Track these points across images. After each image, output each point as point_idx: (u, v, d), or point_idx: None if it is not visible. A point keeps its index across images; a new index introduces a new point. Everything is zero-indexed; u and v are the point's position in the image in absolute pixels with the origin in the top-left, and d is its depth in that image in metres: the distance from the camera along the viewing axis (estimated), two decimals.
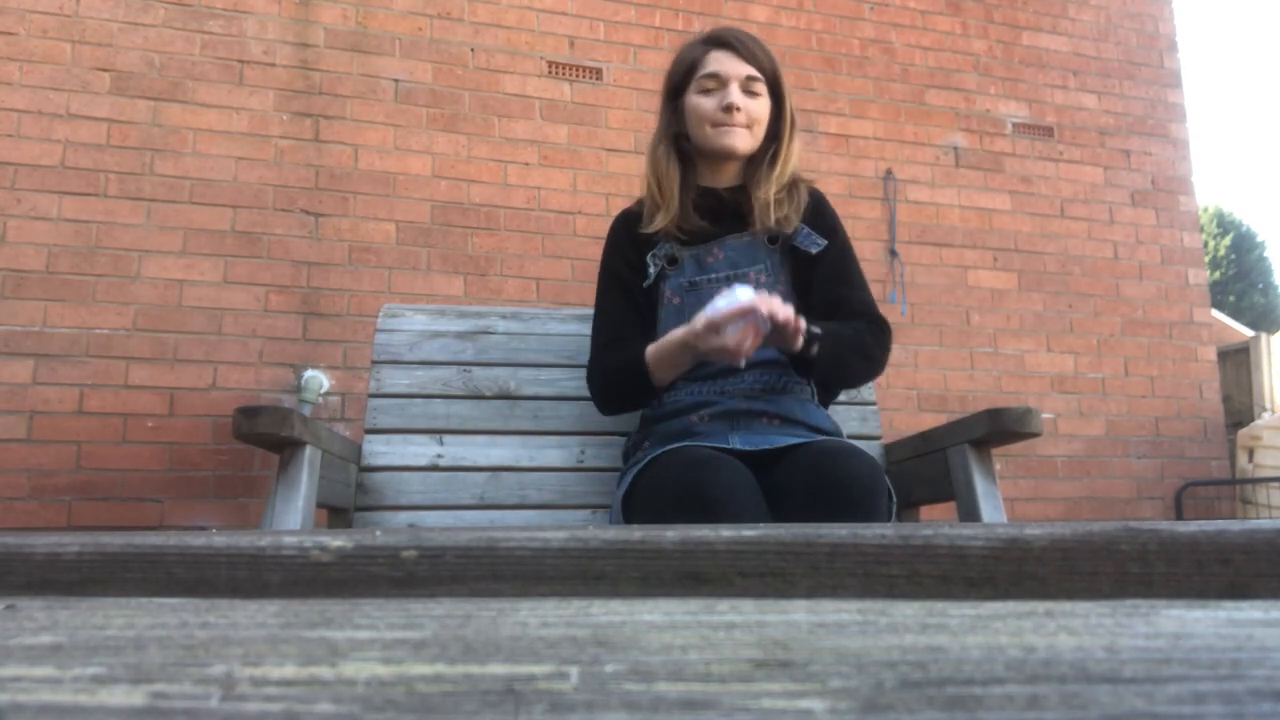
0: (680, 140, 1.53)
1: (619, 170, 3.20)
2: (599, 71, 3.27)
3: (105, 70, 2.79)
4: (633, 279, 1.52)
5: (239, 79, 2.91)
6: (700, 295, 1.46)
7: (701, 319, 1.26)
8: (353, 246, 2.92)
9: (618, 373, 1.45)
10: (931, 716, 0.25)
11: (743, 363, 1.27)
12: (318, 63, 3.00)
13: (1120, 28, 3.95)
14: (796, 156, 1.53)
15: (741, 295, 1.25)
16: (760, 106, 1.48)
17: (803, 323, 1.27)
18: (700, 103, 1.47)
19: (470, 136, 3.09)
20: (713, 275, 1.48)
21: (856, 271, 1.55)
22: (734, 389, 1.43)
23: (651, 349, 1.40)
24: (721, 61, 1.47)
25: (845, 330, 1.41)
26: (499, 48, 3.18)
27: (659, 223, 1.48)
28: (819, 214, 1.55)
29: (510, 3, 3.22)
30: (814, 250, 1.50)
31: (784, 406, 1.43)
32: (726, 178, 1.54)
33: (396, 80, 3.06)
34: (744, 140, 1.47)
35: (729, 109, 1.44)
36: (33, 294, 2.62)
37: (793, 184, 1.52)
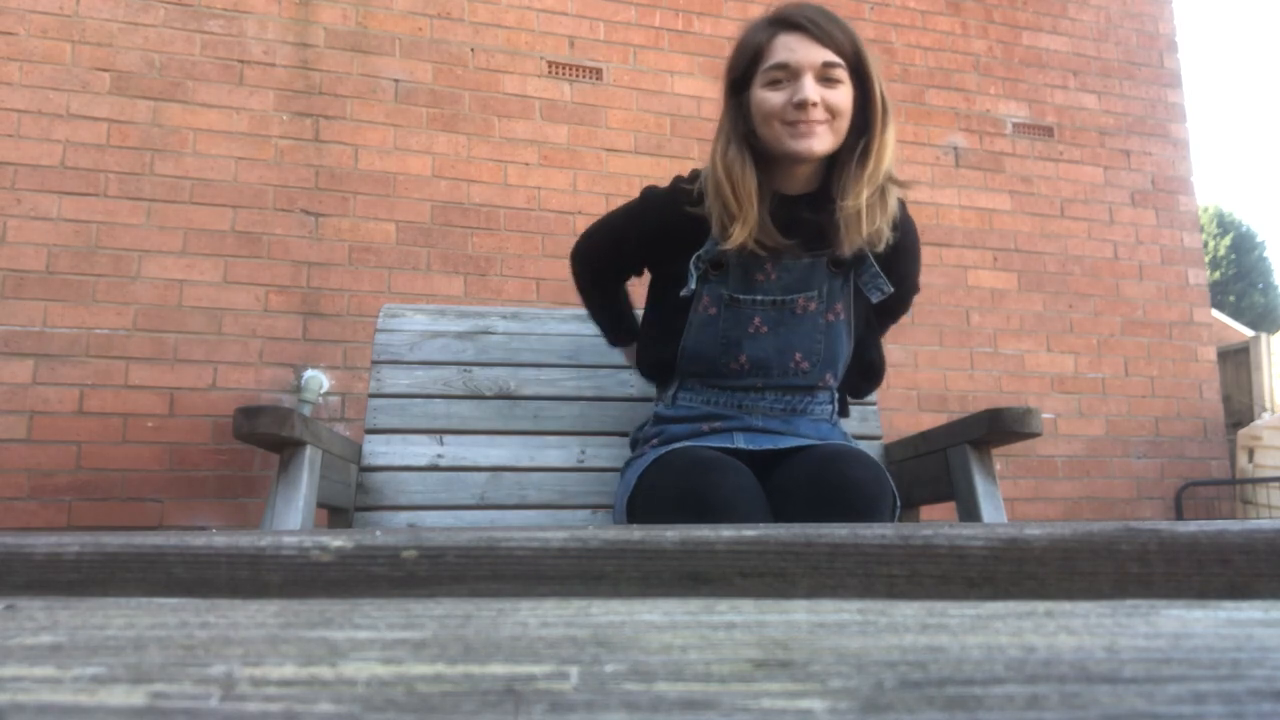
0: (751, 138, 1.29)
1: (619, 170, 3.19)
2: (599, 71, 3.27)
3: (105, 70, 2.79)
4: (635, 264, 1.47)
5: (239, 79, 2.91)
6: (739, 315, 1.33)
7: None
8: (353, 246, 2.92)
9: (599, 309, 1.57)
10: (931, 716, 0.25)
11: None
12: (318, 63, 3.00)
13: (1120, 28, 3.94)
14: (892, 151, 1.28)
15: None
16: (842, 96, 1.24)
17: None
18: (768, 98, 1.24)
19: (470, 136, 3.09)
20: (759, 297, 1.32)
21: (893, 321, 1.54)
22: (753, 405, 1.38)
23: (627, 347, 1.52)
24: (791, 48, 1.23)
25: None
26: (499, 48, 3.18)
27: (737, 237, 1.25)
28: (899, 251, 1.34)
29: (510, 3, 3.22)
30: (874, 299, 1.33)
31: (800, 428, 1.38)
32: (798, 182, 1.32)
33: (396, 80, 3.06)
34: (823, 140, 1.24)
35: (803, 106, 1.22)
36: (33, 294, 2.62)
37: (884, 188, 1.28)
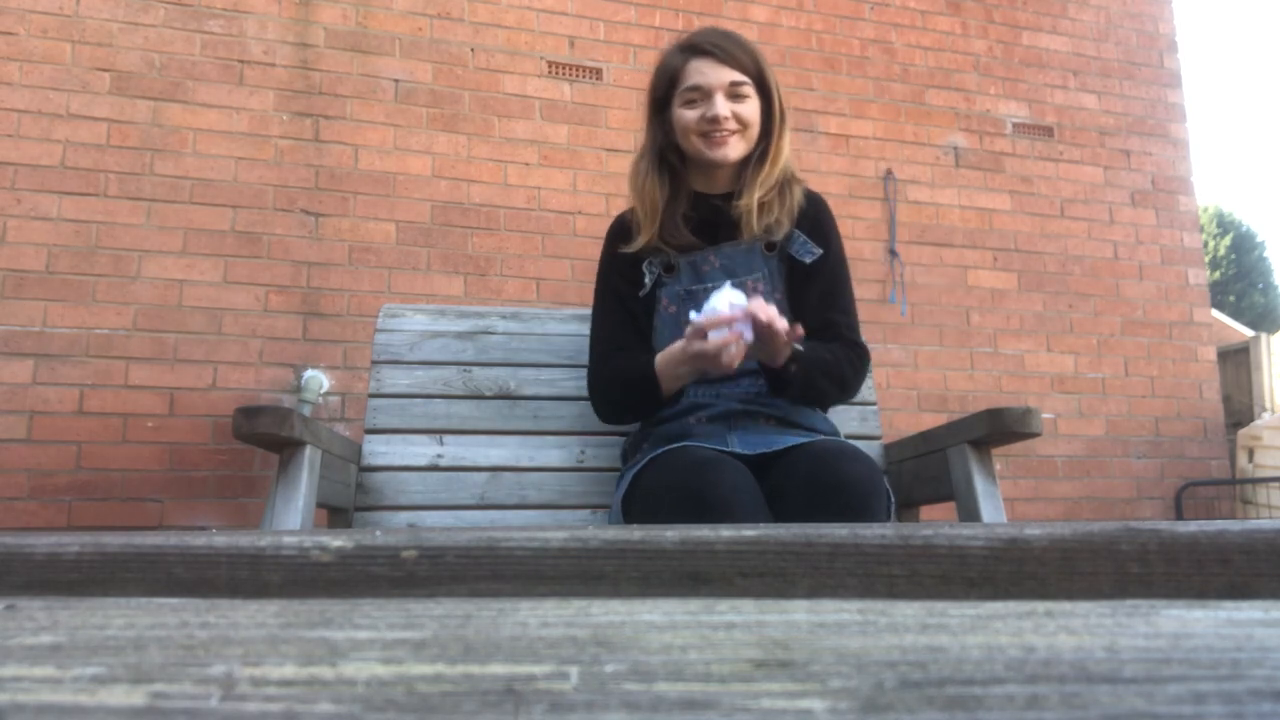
0: (669, 151, 1.49)
1: (619, 170, 3.19)
2: (599, 71, 3.27)
3: (105, 70, 2.79)
4: (628, 288, 1.51)
5: (239, 79, 2.91)
6: (697, 303, 1.41)
7: (690, 326, 1.26)
8: (353, 246, 2.92)
9: (626, 384, 1.43)
10: (931, 716, 0.25)
11: (734, 366, 1.26)
12: (318, 63, 3.00)
13: (1120, 28, 3.95)
14: (787, 153, 1.48)
15: (730, 298, 1.25)
16: (749, 109, 1.43)
17: (781, 323, 1.25)
18: (685, 116, 1.43)
19: (470, 136, 3.09)
20: (709, 284, 1.45)
21: (847, 292, 1.52)
22: (730, 392, 1.44)
23: (659, 361, 1.37)
24: (703, 71, 1.41)
25: (825, 353, 1.40)
26: (499, 48, 3.18)
27: (638, 242, 1.46)
28: (817, 221, 1.51)
29: (510, 3, 3.22)
30: (808, 260, 1.48)
31: (780, 408, 1.43)
32: (720, 183, 1.50)
33: (396, 80, 3.06)
34: (735, 148, 1.43)
35: (715, 120, 1.40)
36: (33, 294, 2.62)
37: (784, 184, 1.47)
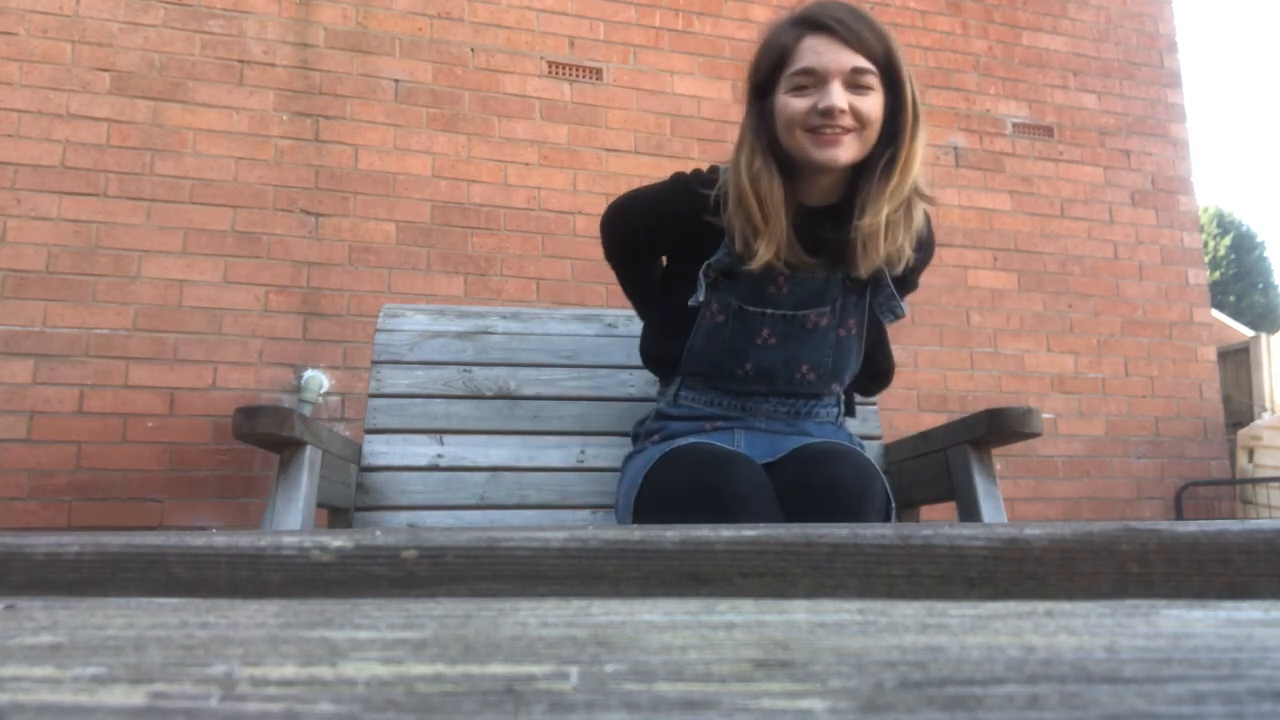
0: (773, 146, 1.22)
1: (619, 170, 3.19)
2: (599, 71, 3.27)
3: (105, 70, 2.79)
4: (660, 243, 1.37)
5: (239, 79, 2.91)
6: (748, 325, 1.29)
7: None
8: (353, 246, 2.92)
9: (632, 284, 1.48)
10: (931, 716, 0.25)
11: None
12: (318, 63, 3.00)
13: (1120, 28, 3.94)
14: (920, 163, 1.20)
15: None
16: (871, 104, 1.18)
17: None
18: (792, 104, 1.18)
19: (470, 136, 3.09)
20: (769, 310, 1.27)
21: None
22: (756, 408, 1.37)
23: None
24: (819, 51, 1.16)
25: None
26: (499, 48, 3.18)
27: (762, 255, 1.19)
28: (918, 258, 1.30)
29: (510, 3, 3.22)
30: (886, 321, 1.31)
31: (803, 429, 1.38)
32: (818, 193, 1.25)
33: (396, 80, 3.06)
34: (849, 149, 1.18)
35: (829, 113, 1.15)
36: (33, 294, 2.62)
37: (910, 202, 1.22)
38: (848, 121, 1.16)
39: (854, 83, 1.16)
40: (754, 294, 1.27)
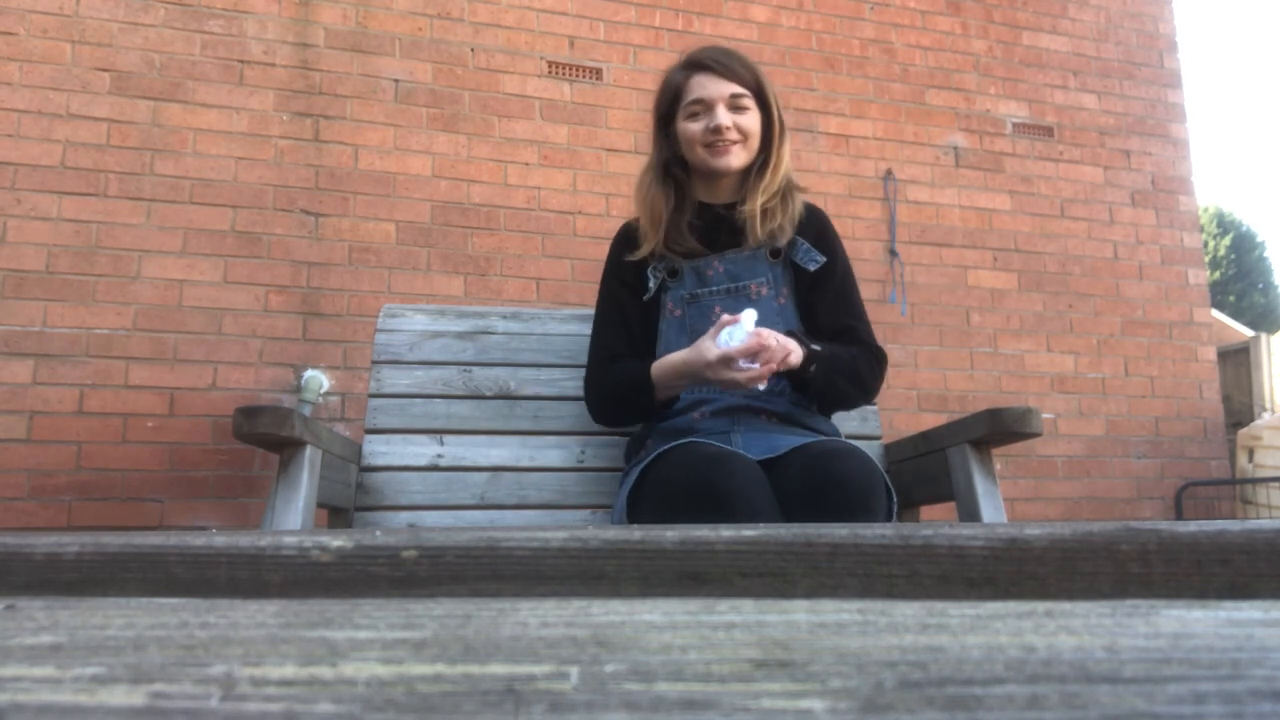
0: (673, 165, 1.55)
1: (619, 170, 3.19)
2: (599, 71, 3.27)
3: (105, 70, 2.79)
4: (629, 295, 1.55)
5: (239, 79, 2.91)
6: (701, 307, 1.51)
7: (715, 352, 1.30)
8: (353, 246, 2.92)
9: (620, 388, 1.48)
10: (931, 716, 0.25)
11: (760, 386, 1.33)
12: (318, 63, 3.00)
13: (1120, 28, 3.94)
14: (788, 163, 1.55)
15: (747, 324, 1.31)
16: (750, 120, 1.50)
17: (797, 355, 1.33)
18: (690, 128, 1.50)
19: (470, 136, 3.09)
20: (713, 288, 1.51)
21: (858, 298, 1.58)
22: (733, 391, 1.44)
23: (656, 370, 1.43)
24: (704, 85, 1.49)
25: (843, 354, 1.45)
26: (499, 48, 3.18)
27: (643, 250, 1.52)
28: (821, 231, 1.57)
29: (510, 3, 3.22)
30: (811, 267, 1.53)
31: (782, 406, 1.45)
32: (723, 193, 1.56)
33: (396, 80, 3.06)
34: (738, 157, 1.50)
35: (717, 130, 1.47)
36: (33, 294, 2.62)
37: (786, 192, 1.54)
38: (733, 135, 1.49)
39: (734, 105, 1.49)
40: (697, 280, 1.52)
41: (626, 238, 1.59)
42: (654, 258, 1.53)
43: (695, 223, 1.53)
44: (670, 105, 1.54)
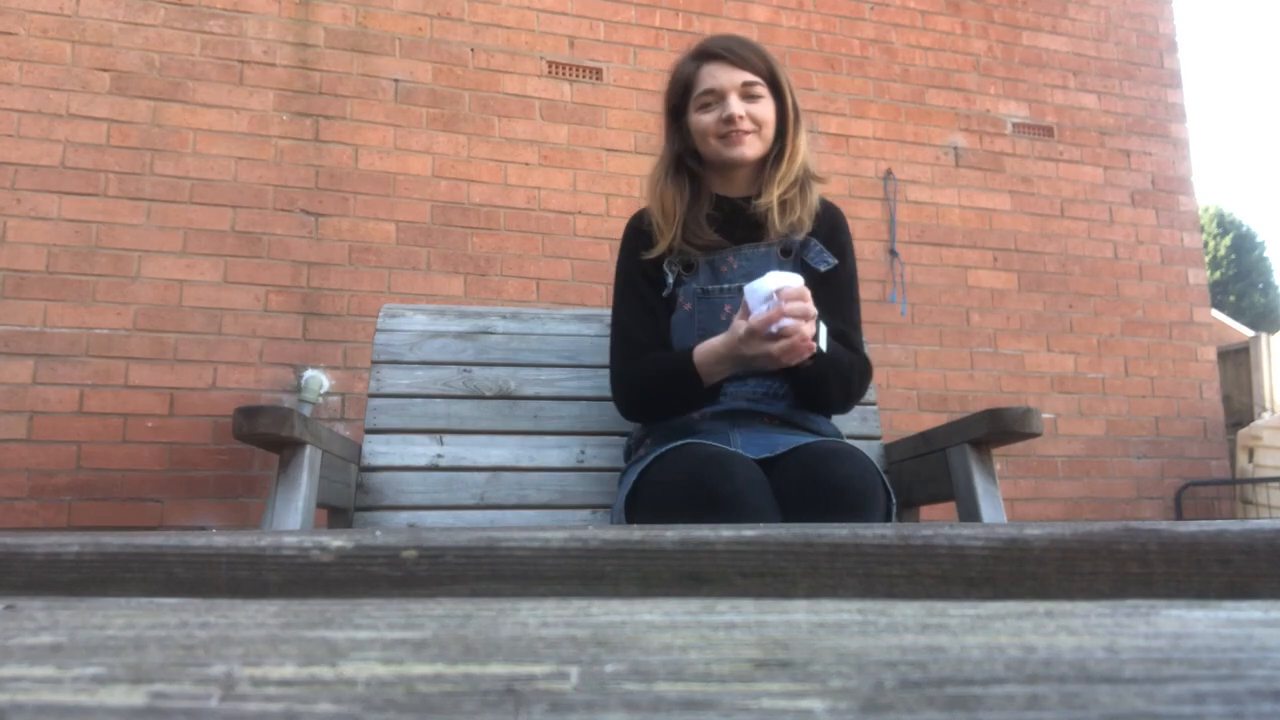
0: (687, 158, 1.51)
1: (619, 170, 3.20)
2: (599, 71, 3.27)
3: (105, 70, 2.79)
4: (650, 289, 1.50)
5: (239, 79, 2.91)
6: (713, 303, 1.46)
7: (742, 326, 1.25)
8: (353, 246, 2.92)
9: (664, 377, 1.40)
10: (931, 716, 0.25)
11: (795, 360, 1.27)
12: (318, 63, 3.00)
13: (1120, 28, 3.94)
14: (805, 151, 1.49)
15: (769, 283, 1.25)
16: (764, 109, 1.45)
17: (821, 331, 1.28)
18: (702, 119, 1.45)
19: (470, 136, 3.09)
20: (726, 285, 1.47)
21: (856, 305, 1.54)
22: (736, 391, 1.44)
23: (699, 355, 1.35)
24: (715, 75, 1.44)
25: (843, 356, 1.41)
26: (499, 48, 3.18)
27: (659, 248, 1.47)
28: (834, 230, 1.52)
29: (510, 3, 3.22)
30: (822, 268, 1.48)
31: (782, 409, 1.44)
32: (739, 185, 1.52)
33: (396, 80, 3.06)
34: (753, 146, 1.45)
35: (730, 120, 1.42)
36: (33, 294, 2.62)
37: (804, 183, 1.49)
38: (747, 125, 1.44)
39: (747, 93, 1.44)
40: (711, 276, 1.48)
41: (639, 232, 1.54)
42: (670, 252, 1.49)
43: (714, 214, 1.49)
44: (681, 97, 1.49)
